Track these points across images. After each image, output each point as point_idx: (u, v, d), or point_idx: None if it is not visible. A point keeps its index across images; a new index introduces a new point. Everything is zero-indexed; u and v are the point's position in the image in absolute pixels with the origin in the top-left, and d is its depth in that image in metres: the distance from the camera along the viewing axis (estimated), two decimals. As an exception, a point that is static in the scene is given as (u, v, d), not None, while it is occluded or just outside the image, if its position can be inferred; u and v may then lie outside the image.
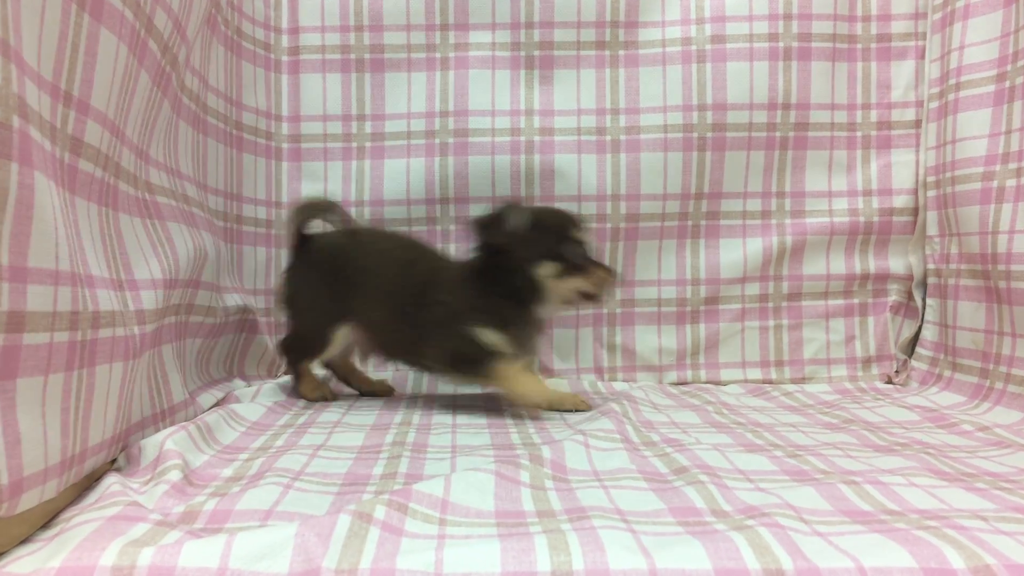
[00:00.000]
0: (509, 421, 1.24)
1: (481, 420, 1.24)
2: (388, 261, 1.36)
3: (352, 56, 1.65)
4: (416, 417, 1.26)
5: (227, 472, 0.91)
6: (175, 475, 0.85)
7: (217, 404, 1.25)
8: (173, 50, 1.14)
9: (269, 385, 1.42)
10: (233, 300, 1.42)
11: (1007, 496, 0.85)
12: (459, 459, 0.98)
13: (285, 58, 1.65)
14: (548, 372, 1.66)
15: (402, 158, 1.65)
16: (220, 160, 1.48)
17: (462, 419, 1.25)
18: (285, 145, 1.66)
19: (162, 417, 1.08)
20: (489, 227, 1.27)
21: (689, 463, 0.96)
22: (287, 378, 1.49)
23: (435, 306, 1.28)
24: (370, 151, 1.66)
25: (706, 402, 1.43)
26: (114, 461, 0.92)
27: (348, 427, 1.16)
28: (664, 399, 1.47)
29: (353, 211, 1.65)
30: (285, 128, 1.66)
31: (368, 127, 1.66)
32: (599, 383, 1.62)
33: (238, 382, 1.42)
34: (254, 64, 1.60)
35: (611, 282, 1.31)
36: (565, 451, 0.98)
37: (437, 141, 1.64)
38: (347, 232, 1.46)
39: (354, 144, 1.66)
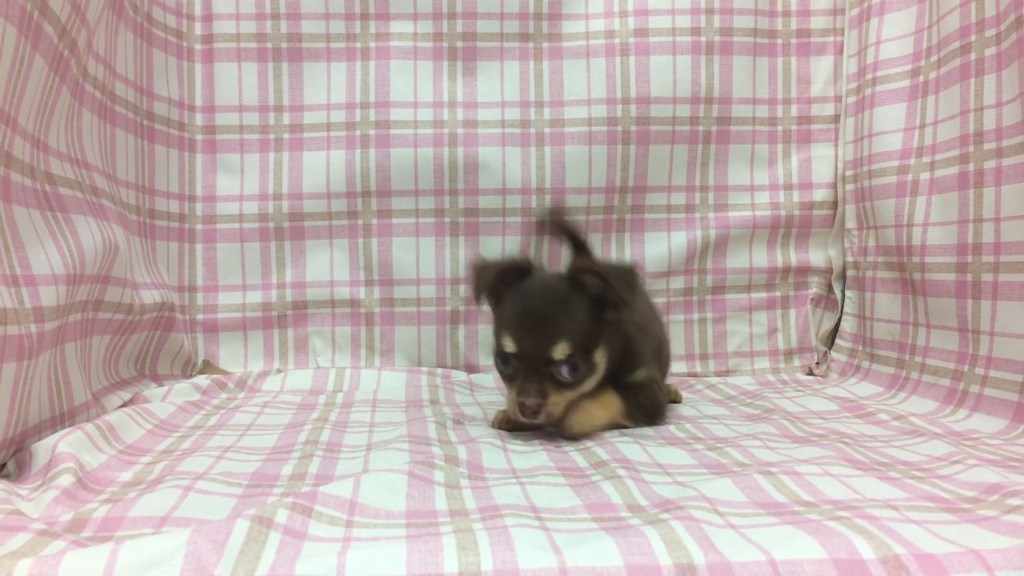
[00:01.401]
0: (428, 414, 1.21)
1: (399, 417, 1.21)
2: None
3: (269, 45, 1.60)
4: (334, 414, 1.22)
5: (125, 476, 0.87)
6: (66, 480, 0.80)
7: (124, 405, 1.20)
8: (72, 34, 1.08)
9: (181, 385, 1.36)
10: (151, 297, 1.37)
11: (918, 485, 0.86)
12: (373, 456, 0.95)
13: (199, 46, 1.60)
14: (473, 368, 1.64)
15: (322, 150, 1.61)
16: (130, 152, 1.42)
17: (381, 417, 1.22)
18: (199, 136, 1.60)
19: (62, 420, 1.03)
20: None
21: (609, 457, 0.95)
22: (201, 377, 1.44)
23: None
24: (288, 143, 1.61)
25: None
26: (3, 467, 0.87)
27: (261, 429, 1.12)
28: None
29: (270, 205, 1.60)
30: (199, 119, 1.60)
31: (286, 118, 1.61)
32: (524, 378, 1.60)
33: (148, 383, 1.37)
34: (165, 52, 1.54)
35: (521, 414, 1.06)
36: (482, 452, 0.96)
37: (358, 133, 1.60)
38: None
39: (271, 136, 1.61)
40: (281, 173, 1.61)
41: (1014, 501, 0.78)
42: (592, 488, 0.84)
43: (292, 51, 1.60)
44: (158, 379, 1.41)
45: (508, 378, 1.09)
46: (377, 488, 0.78)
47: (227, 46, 1.60)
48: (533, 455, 0.98)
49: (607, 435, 1.08)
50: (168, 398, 1.29)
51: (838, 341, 1.66)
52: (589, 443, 1.03)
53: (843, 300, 1.67)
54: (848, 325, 1.64)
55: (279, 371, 1.55)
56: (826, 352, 1.68)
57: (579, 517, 0.75)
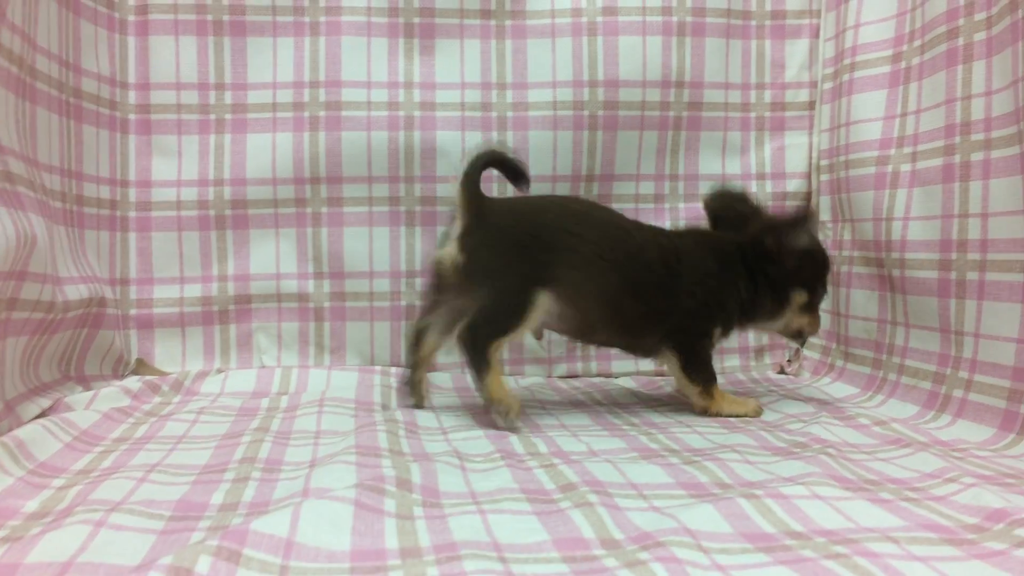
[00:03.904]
0: (379, 419, 1.12)
1: (348, 424, 1.11)
2: (600, 224, 1.21)
3: (209, 17, 1.47)
4: (276, 422, 1.12)
5: (31, 506, 0.76)
6: (-43, 515, 0.69)
7: (42, 414, 1.09)
8: (-22, 0, 0.96)
9: (109, 389, 1.25)
10: (76, 292, 1.25)
11: (915, 509, 0.79)
12: (316, 475, 0.85)
13: (132, 17, 1.47)
14: (429, 367, 1.54)
15: (267, 132, 1.49)
16: (54, 133, 1.29)
17: (328, 423, 1.12)
18: (132, 116, 1.47)
19: (-34, 434, 0.92)
20: (792, 231, 1.24)
21: (578, 479, 0.86)
22: (133, 379, 1.33)
23: (689, 297, 1.22)
24: (231, 124, 1.49)
25: (596, 402, 1.34)
26: None
27: (194, 441, 1.02)
28: (552, 395, 1.38)
29: (211, 191, 1.48)
30: (132, 97, 1.47)
31: (228, 97, 1.49)
32: (485, 377, 1.51)
33: (74, 386, 1.25)
34: (95, 24, 1.41)
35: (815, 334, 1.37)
36: (438, 472, 0.87)
37: (307, 114, 1.49)
38: (531, 197, 1.29)
39: (212, 116, 1.49)
40: (223, 157, 1.49)
41: (1023, 532, 0.71)
42: (560, 518, 0.75)
43: (235, 24, 1.48)
44: (85, 381, 1.30)
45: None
46: (318, 522, 0.69)
47: (163, 18, 1.47)
48: (494, 473, 0.89)
49: (573, 452, 0.99)
50: (93, 404, 1.17)
51: (810, 338, 1.59)
52: (555, 460, 0.94)
53: (817, 295, 1.60)
54: (822, 322, 1.57)
55: (219, 371, 1.44)
56: (798, 349, 1.62)
57: (547, 556, 0.66)
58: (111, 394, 1.23)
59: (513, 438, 1.06)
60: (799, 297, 1.28)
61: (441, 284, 1.22)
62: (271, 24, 1.49)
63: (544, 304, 1.15)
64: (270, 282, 1.51)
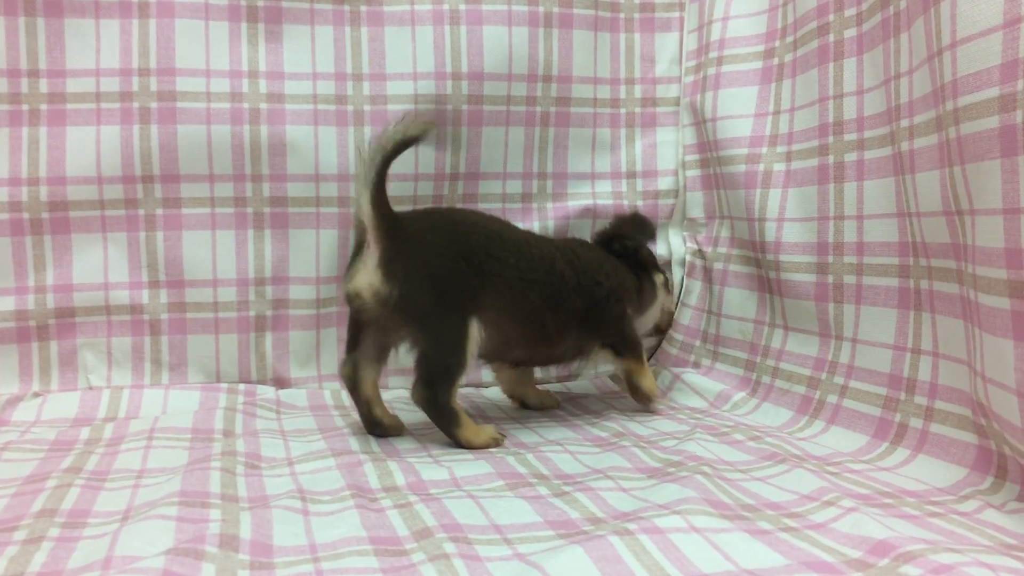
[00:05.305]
0: (216, 451, 0.99)
1: (178, 459, 0.98)
2: (516, 244, 1.16)
3: (18, -6, 1.30)
4: (92, 460, 0.98)
5: None
6: None
7: None
8: None
9: None
10: None
11: (795, 542, 0.73)
12: (124, 535, 0.72)
13: (-76, -7, 1.28)
14: (284, 383, 1.41)
15: (91, 125, 1.32)
16: None
17: (155, 459, 0.98)
18: (-73, 106, 1.28)
19: None
20: (642, 227, 1.37)
21: (435, 522, 0.77)
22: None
23: (597, 288, 1.23)
24: (47, 115, 1.31)
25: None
26: None
27: (-14, 488, 0.87)
28: (417, 414, 1.28)
29: (24, 191, 1.30)
30: (-73, 84, 1.28)
31: (43, 86, 1.31)
32: (344, 393, 1.40)
33: None
34: None
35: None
36: (274, 522, 0.76)
37: (136, 105, 1.33)
38: (448, 211, 1.31)
39: (25, 106, 1.31)
40: (38, 153, 1.31)
41: (909, 570, 0.66)
42: (412, 574, 0.65)
43: (50, 4, 1.30)
44: None
45: None
46: (112, 605, 0.57)
47: (-37, -6, 1.28)
48: (341, 518, 0.79)
49: (431, 484, 0.89)
50: None
51: (671, 332, 1.54)
52: (412, 497, 0.84)
53: (681, 290, 1.54)
54: (685, 317, 1.52)
55: (36, 395, 1.27)
56: (658, 343, 1.56)
57: (390, 631, 0.57)
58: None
59: (368, 467, 0.96)
60: (659, 277, 1.40)
61: (362, 319, 1.11)
62: (93, 4, 1.32)
63: (475, 333, 1.09)
64: (97, 293, 1.34)
